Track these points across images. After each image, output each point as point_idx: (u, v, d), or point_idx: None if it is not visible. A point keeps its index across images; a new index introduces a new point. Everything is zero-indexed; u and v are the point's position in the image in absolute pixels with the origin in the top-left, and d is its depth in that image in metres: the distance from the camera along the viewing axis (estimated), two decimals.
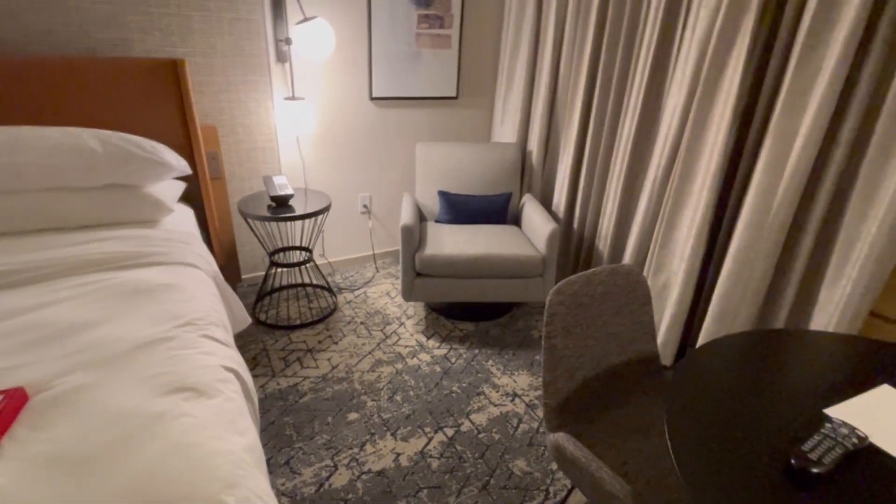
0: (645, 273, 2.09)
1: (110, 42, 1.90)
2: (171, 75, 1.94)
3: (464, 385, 1.94)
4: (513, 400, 1.87)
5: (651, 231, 2.09)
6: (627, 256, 2.19)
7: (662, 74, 1.98)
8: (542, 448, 1.65)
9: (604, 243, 2.36)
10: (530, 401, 1.87)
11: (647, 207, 2.05)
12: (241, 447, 0.84)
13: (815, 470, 0.71)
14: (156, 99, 1.94)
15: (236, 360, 1.14)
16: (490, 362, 2.09)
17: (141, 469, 0.74)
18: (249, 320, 1.69)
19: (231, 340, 1.24)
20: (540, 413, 1.81)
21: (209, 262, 1.58)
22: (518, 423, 1.76)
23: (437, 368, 2.03)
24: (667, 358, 1.99)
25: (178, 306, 1.20)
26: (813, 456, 0.72)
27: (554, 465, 1.59)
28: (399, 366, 2.04)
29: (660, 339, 2.00)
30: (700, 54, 1.75)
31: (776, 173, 1.59)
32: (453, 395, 1.89)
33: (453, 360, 2.10)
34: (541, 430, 1.74)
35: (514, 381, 1.97)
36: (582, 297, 1.18)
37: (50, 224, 1.59)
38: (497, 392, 1.91)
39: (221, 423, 0.87)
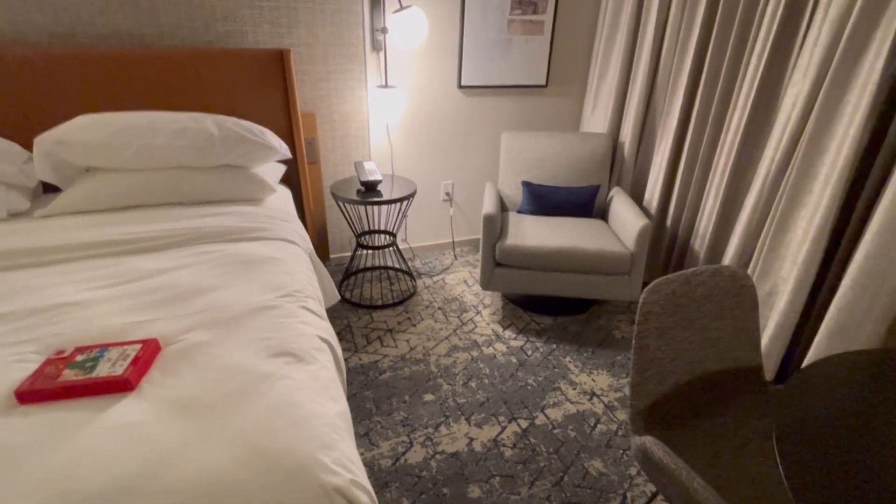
0: None
1: (227, 34, 2.07)
2: (277, 65, 2.08)
3: (539, 379, 1.92)
4: (591, 399, 1.82)
5: (758, 232, 1.90)
6: (728, 258, 2.02)
7: (784, 59, 1.78)
8: (622, 451, 1.59)
9: (700, 243, 2.19)
10: (609, 402, 1.80)
11: (756, 206, 1.87)
12: (335, 412, 0.90)
13: None
14: (264, 87, 2.09)
15: (329, 332, 1.21)
16: (568, 358, 2.04)
17: (250, 421, 0.82)
18: (338, 296, 1.79)
19: (324, 313, 1.32)
20: (620, 415, 1.74)
21: (305, 240, 1.69)
22: (595, 423, 1.71)
23: (513, 359, 2.02)
24: (768, 371, 1.82)
25: (280, 278, 1.29)
26: None
27: (633, 470, 1.52)
28: (475, 353, 2.06)
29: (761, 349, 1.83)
30: (833, 37, 1.55)
31: None
32: (528, 387, 1.87)
33: (529, 352, 2.07)
34: (619, 432, 1.67)
35: (593, 381, 1.91)
36: (680, 298, 1.11)
37: (174, 199, 1.78)
38: (574, 389, 1.86)
39: (317, 388, 0.93)
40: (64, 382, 0.86)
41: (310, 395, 0.90)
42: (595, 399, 1.82)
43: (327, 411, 0.88)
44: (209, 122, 1.77)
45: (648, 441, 0.97)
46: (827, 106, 1.58)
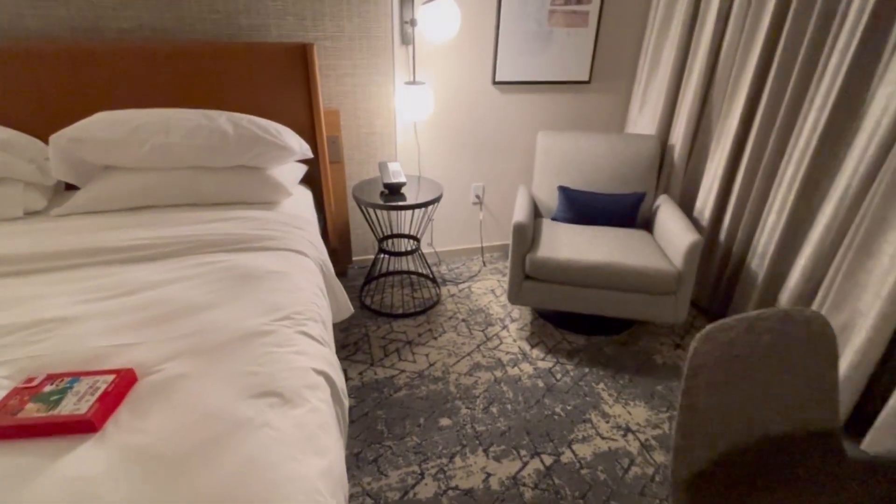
0: (814, 306, 1.67)
1: (250, 27, 1.98)
2: (300, 59, 1.97)
3: (568, 407, 1.74)
4: (625, 435, 1.63)
5: (832, 255, 1.65)
6: (791, 283, 1.77)
7: (875, 54, 1.51)
8: (658, 501, 1.40)
9: (759, 262, 1.94)
10: (646, 440, 1.61)
11: (830, 224, 1.62)
12: (318, 472, 0.77)
13: None
14: (286, 82, 1.99)
15: (329, 361, 1.09)
16: (601, 385, 1.85)
17: (217, 484, 0.70)
18: (352, 310, 1.68)
19: (328, 337, 1.20)
20: (658, 457, 1.55)
21: (319, 250, 1.58)
22: (629, 464, 1.52)
23: (540, 383, 1.86)
24: None
25: (281, 296, 1.18)
26: None
27: None
28: (498, 373, 1.90)
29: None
30: None
31: None
32: (555, 417, 1.70)
33: (559, 376, 1.90)
34: (657, 478, 1.48)
35: (629, 413, 1.72)
36: (739, 348, 0.91)
37: (189, 200, 1.72)
38: (606, 422, 1.68)
39: (301, 439, 0.81)
40: (23, 420, 0.78)
41: (290, 451, 0.77)
42: (630, 436, 1.63)
43: (308, 472, 0.76)
44: (223, 121, 1.69)
45: None
46: None
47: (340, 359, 1.96)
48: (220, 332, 1.02)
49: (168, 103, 1.91)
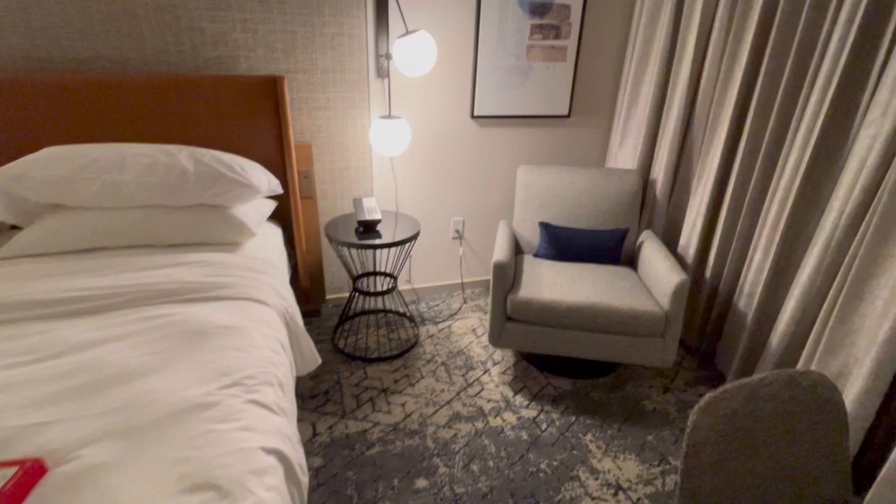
0: (806, 352, 1.60)
1: (217, 60, 1.90)
2: (270, 92, 1.89)
3: (554, 463, 1.62)
4: (615, 494, 1.51)
5: (822, 296, 1.59)
6: (781, 326, 1.70)
7: (856, 94, 1.49)
8: None
9: (746, 302, 1.88)
10: (639, 500, 1.49)
11: (819, 266, 1.56)
12: None
13: None
14: (255, 116, 1.90)
15: (284, 434, 0.96)
16: (589, 436, 1.73)
17: None
18: (319, 361, 1.54)
19: (285, 402, 1.07)
20: None
21: (283, 297, 1.46)
22: None
23: (524, 435, 1.73)
24: None
25: (231, 358, 1.05)
26: None
27: None
28: (479, 424, 1.77)
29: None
30: None
31: None
32: (540, 474, 1.57)
33: (544, 426, 1.78)
34: None
35: (619, 468, 1.60)
36: (743, 419, 0.82)
37: (144, 241, 1.59)
38: (595, 479, 1.56)
39: None
40: None
41: None
42: (621, 494, 1.51)
43: None
44: (184, 157, 1.58)
45: None
46: None
47: (309, 410, 1.81)
48: (153, 406, 0.89)
49: (129, 138, 1.80)
